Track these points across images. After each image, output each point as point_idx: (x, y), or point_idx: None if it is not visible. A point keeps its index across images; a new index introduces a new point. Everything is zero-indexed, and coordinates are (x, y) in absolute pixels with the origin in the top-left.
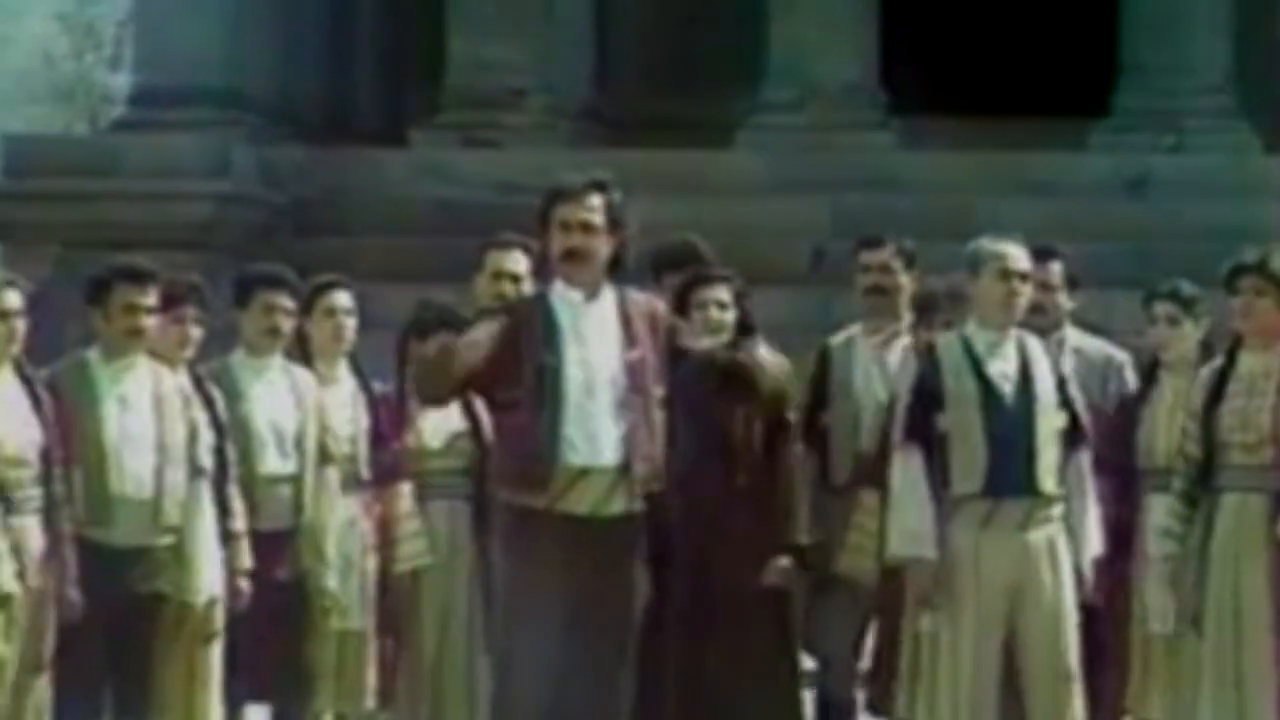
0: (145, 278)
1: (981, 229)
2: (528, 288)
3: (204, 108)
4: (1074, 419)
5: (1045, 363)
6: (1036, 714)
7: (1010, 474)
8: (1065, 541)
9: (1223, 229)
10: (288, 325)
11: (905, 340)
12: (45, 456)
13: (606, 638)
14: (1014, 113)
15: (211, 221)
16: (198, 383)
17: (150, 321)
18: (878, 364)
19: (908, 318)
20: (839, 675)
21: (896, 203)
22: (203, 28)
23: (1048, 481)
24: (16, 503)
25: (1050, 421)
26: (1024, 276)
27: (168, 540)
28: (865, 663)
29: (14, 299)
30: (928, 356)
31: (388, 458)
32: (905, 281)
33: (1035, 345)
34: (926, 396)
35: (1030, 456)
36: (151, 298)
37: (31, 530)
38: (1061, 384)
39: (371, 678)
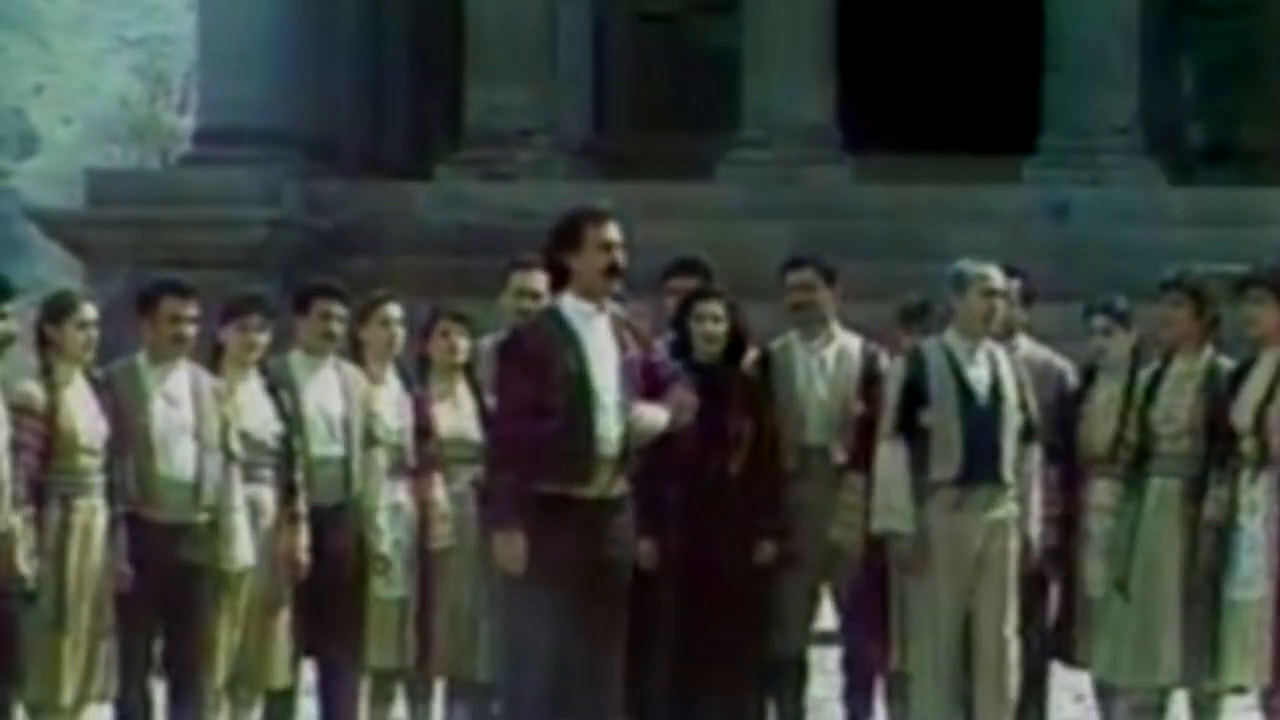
0: (187, 291)
1: (926, 251)
2: (544, 303)
3: (257, 146)
4: (1028, 419)
5: (1009, 369)
6: (982, 657)
7: (980, 465)
8: (1015, 520)
9: (1133, 250)
10: (340, 330)
11: (838, 344)
12: (109, 446)
13: (608, 602)
14: (955, 150)
15: (264, 244)
16: (268, 382)
17: (191, 329)
18: (816, 365)
19: (834, 325)
20: (793, 634)
21: (853, 228)
22: (256, 78)
23: (1007, 472)
24: (86, 486)
25: (1012, 421)
26: (1003, 294)
27: (205, 517)
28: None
29: (91, 311)
30: (914, 360)
31: (429, 449)
32: (825, 297)
33: (1002, 354)
34: (912, 395)
35: (996, 451)
36: (192, 309)
37: (98, 510)
38: (1021, 388)
39: (411, 638)
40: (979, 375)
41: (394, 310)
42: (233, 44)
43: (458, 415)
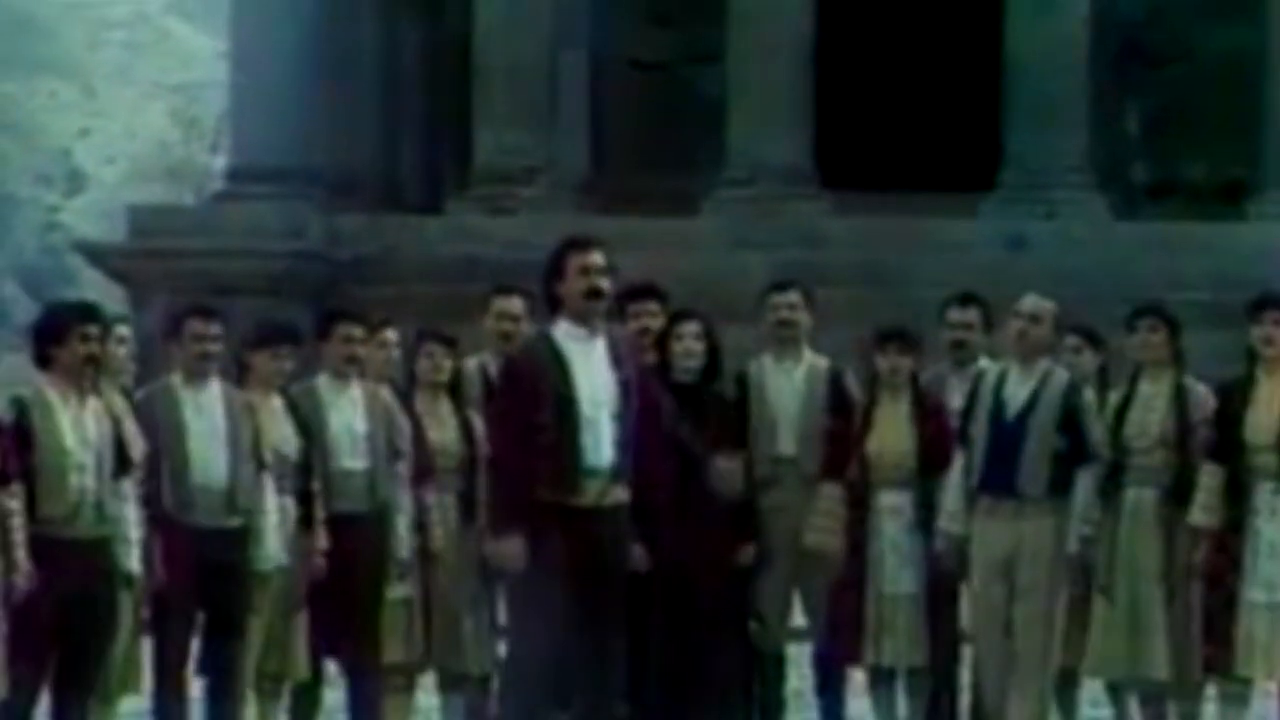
0: (209, 314)
1: (894, 280)
2: (524, 326)
3: (283, 184)
4: (1076, 439)
5: (1057, 393)
6: (1016, 660)
7: (999, 477)
8: (1052, 531)
9: (1084, 279)
10: (362, 352)
11: (807, 364)
12: (148, 460)
13: (605, 603)
14: (921, 187)
15: (289, 273)
16: (289, 402)
17: (216, 348)
18: (788, 383)
19: (805, 347)
20: (772, 631)
21: (827, 258)
22: (282, 121)
23: (1029, 486)
24: (130, 498)
25: (1042, 439)
26: (1030, 318)
27: (239, 521)
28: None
29: (126, 331)
30: (977, 378)
31: (424, 459)
32: (805, 318)
33: (1057, 377)
34: (969, 410)
35: (1016, 465)
36: (215, 328)
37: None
38: (1076, 412)
39: (418, 635)
40: (1015, 394)
41: (392, 334)
42: (261, 90)
43: (441, 430)
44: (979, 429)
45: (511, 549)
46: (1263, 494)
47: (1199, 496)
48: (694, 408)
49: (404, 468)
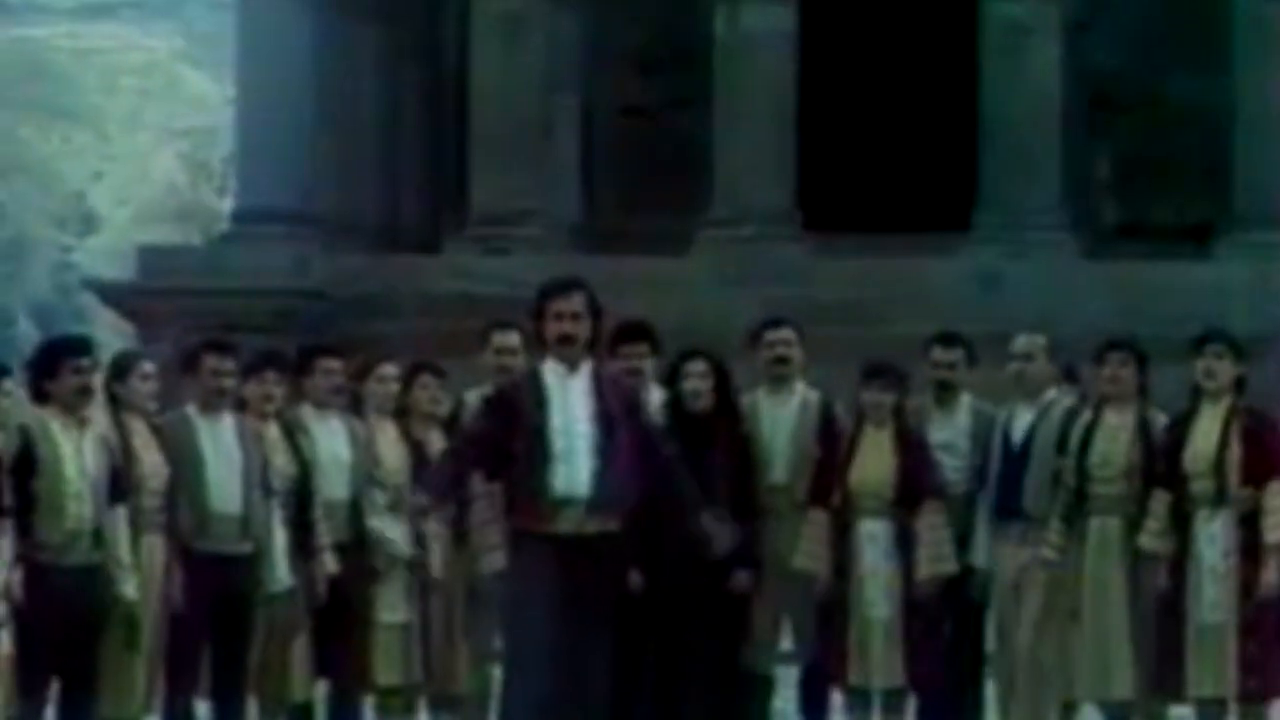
0: (225, 349)
1: (874, 317)
2: (520, 359)
3: (288, 224)
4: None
5: (1055, 422)
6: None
7: (1005, 501)
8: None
9: (1054, 316)
10: (342, 383)
11: (799, 397)
12: (168, 487)
13: (590, 629)
14: (900, 229)
15: (294, 311)
16: (285, 430)
17: (231, 382)
18: (781, 415)
19: (798, 381)
20: (762, 653)
21: (810, 296)
22: (287, 165)
23: (1034, 507)
24: (150, 524)
25: (1043, 466)
26: (1023, 356)
27: (250, 547)
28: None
29: (150, 366)
30: (1006, 413)
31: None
32: (798, 354)
33: (1059, 406)
34: (986, 450)
35: (1018, 491)
36: (230, 364)
37: (156, 545)
38: (1061, 441)
39: (415, 658)
40: (1020, 425)
41: (389, 368)
42: (267, 135)
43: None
44: (993, 463)
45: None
46: (1202, 520)
47: (1148, 523)
48: (703, 438)
49: (381, 496)
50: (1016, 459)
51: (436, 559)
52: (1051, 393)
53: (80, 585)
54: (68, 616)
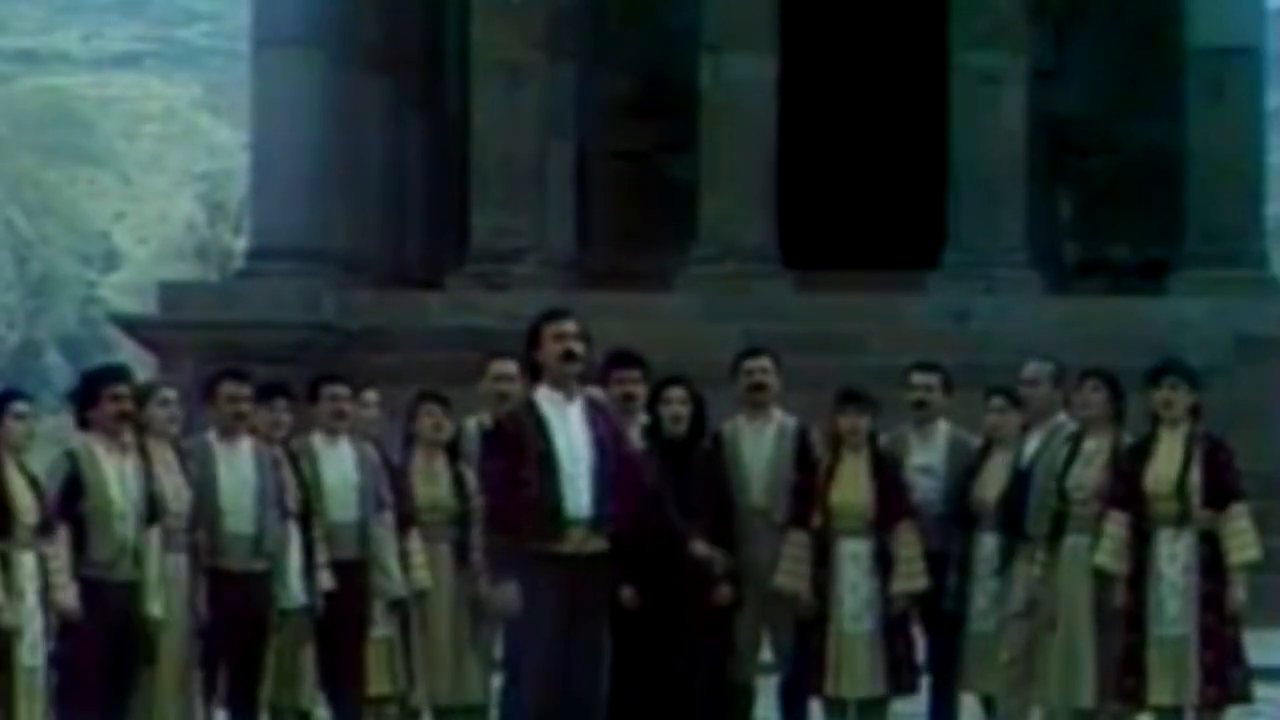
0: (242, 378)
1: (850, 349)
2: (517, 386)
3: (300, 262)
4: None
5: (1056, 446)
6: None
7: (1012, 523)
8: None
9: (1019, 348)
10: (349, 409)
11: (777, 422)
12: (191, 509)
13: (588, 642)
14: (874, 266)
15: (305, 343)
16: (290, 455)
17: (248, 408)
18: (759, 440)
19: (775, 407)
20: (745, 665)
21: (789, 329)
22: (299, 205)
23: (1035, 529)
24: (175, 545)
25: (1050, 486)
26: (1030, 383)
27: (265, 565)
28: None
29: (171, 392)
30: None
31: (406, 508)
32: (774, 381)
33: (1064, 431)
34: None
35: (1023, 512)
36: (247, 390)
37: (181, 564)
38: (1068, 463)
39: (400, 670)
40: (1028, 449)
41: (372, 395)
42: (279, 178)
43: (435, 485)
44: (1002, 484)
45: (507, 595)
46: (1163, 539)
47: (1104, 543)
48: (680, 461)
49: (389, 517)
50: (1023, 481)
51: (423, 574)
52: (1061, 417)
53: (125, 600)
54: (114, 629)
